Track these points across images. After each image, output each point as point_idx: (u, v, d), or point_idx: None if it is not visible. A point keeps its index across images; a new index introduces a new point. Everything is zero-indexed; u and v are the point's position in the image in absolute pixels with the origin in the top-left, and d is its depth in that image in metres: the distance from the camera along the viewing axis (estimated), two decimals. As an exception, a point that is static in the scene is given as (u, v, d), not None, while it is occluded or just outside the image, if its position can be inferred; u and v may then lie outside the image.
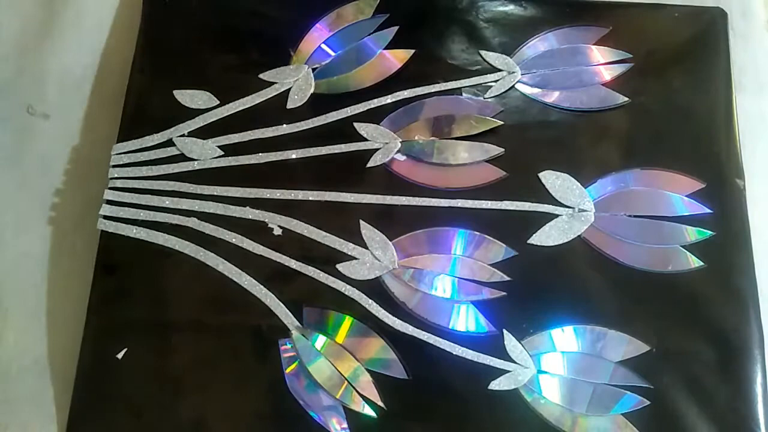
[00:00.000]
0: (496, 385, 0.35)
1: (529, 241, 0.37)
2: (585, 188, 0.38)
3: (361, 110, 0.40)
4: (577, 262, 0.37)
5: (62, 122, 0.42)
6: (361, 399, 0.35)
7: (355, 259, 0.37)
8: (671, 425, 0.34)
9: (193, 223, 0.38)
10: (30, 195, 0.41)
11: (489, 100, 0.40)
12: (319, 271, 0.37)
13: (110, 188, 0.39)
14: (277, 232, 0.38)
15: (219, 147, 0.39)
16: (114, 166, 0.40)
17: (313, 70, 0.41)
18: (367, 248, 0.38)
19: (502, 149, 0.39)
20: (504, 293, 0.36)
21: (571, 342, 0.36)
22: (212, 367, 0.36)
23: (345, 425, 0.35)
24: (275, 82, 0.40)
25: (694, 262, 0.37)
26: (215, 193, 0.39)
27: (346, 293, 0.37)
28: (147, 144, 0.40)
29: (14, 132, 0.42)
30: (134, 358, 0.36)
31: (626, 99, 0.39)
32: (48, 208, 0.41)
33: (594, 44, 0.41)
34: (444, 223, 0.38)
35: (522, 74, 0.40)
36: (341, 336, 0.36)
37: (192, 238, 0.38)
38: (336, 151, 0.39)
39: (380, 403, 0.35)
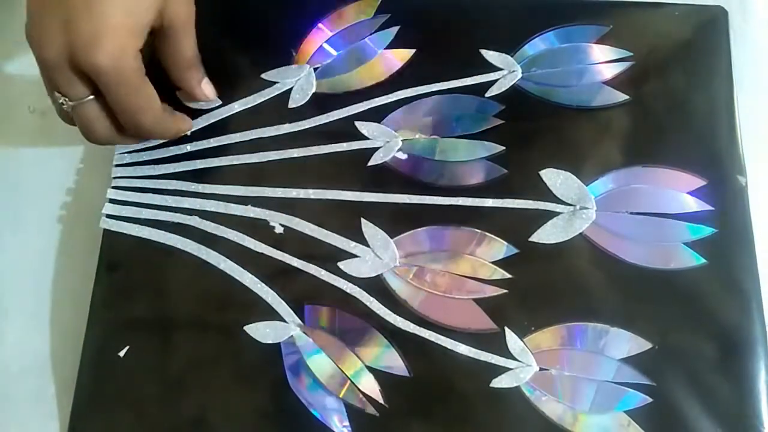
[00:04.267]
0: (497, 382, 0.35)
1: (530, 239, 0.37)
2: (586, 186, 0.38)
3: (363, 109, 0.40)
4: (579, 259, 0.37)
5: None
6: (362, 397, 0.35)
7: (357, 257, 0.37)
8: (674, 423, 0.34)
9: (194, 221, 0.39)
10: (30, 194, 0.41)
11: (490, 98, 0.40)
12: (320, 269, 0.37)
13: (113, 187, 0.39)
14: (279, 230, 0.38)
15: (220, 146, 0.40)
16: (117, 165, 0.40)
17: (315, 69, 0.41)
18: (368, 246, 0.38)
19: (503, 147, 0.39)
20: (505, 291, 0.36)
21: (572, 339, 0.36)
22: (214, 365, 0.36)
23: (346, 423, 0.35)
24: (277, 82, 0.41)
25: (696, 259, 0.36)
26: (217, 192, 0.39)
27: (347, 291, 0.37)
28: (149, 143, 0.40)
29: (14, 130, 0.43)
30: (136, 356, 0.36)
31: (627, 97, 0.39)
32: (48, 207, 0.41)
33: (595, 42, 0.41)
34: (445, 221, 0.38)
35: (523, 73, 0.40)
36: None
37: (194, 237, 0.38)
38: (337, 150, 0.39)
39: (382, 401, 0.35)
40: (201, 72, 0.39)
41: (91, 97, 0.34)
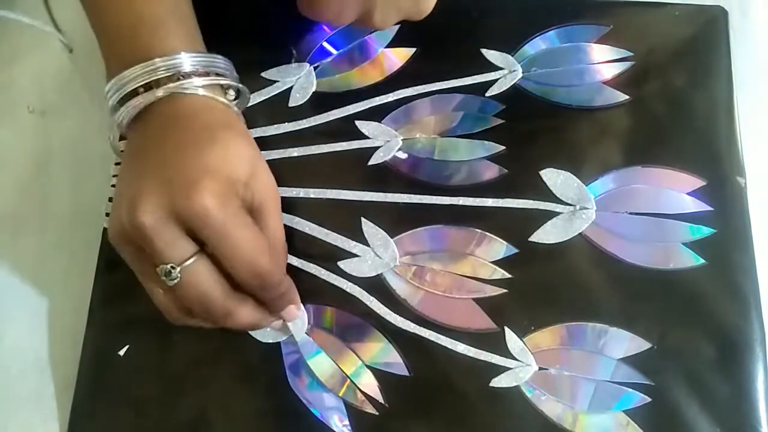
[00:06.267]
0: (497, 382, 0.35)
1: (530, 239, 0.37)
2: (586, 186, 0.38)
3: (363, 108, 0.40)
4: (579, 259, 0.37)
5: (62, 120, 0.42)
6: (362, 396, 0.35)
7: (357, 256, 0.38)
8: (672, 422, 0.34)
9: (194, 220, 0.38)
10: (30, 193, 0.41)
11: (490, 98, 0.40)
12: (320, 268, 0.37)
13: (113, 186, 0.39)
14: (279, 229, 0.38)
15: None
16: (117, 164, 0.40)
17: (315, 68, 0.41)
18: (368, 246, 0.38)
19: (504, 147, 0.39)
20: (505, 290, 0.37)
21: (572, 339, 0.36)
22: (214, 364, 0.36)
23: (346, 422, 0.35)
24: (277, 81, 0.41)
25: (695, 259, 0.37)
26: (217, 191, 0.39)
27: (347, 291, 0.37)
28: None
29: (14, 130, 0.43)
30: (136, 355, 0.36)
31: (627, 97, 0.39)
32: (48, 207, 0.41)
33: (595, 42, 0.41)
34: (445, 221, 0.38)
35: (523, 72, 0.40)
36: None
37: (194, 236, 0.38)
38: (337, 149, 0.39)
39: (381, 400, 0.35)
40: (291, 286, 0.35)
41: (198, 252, 0.30)
